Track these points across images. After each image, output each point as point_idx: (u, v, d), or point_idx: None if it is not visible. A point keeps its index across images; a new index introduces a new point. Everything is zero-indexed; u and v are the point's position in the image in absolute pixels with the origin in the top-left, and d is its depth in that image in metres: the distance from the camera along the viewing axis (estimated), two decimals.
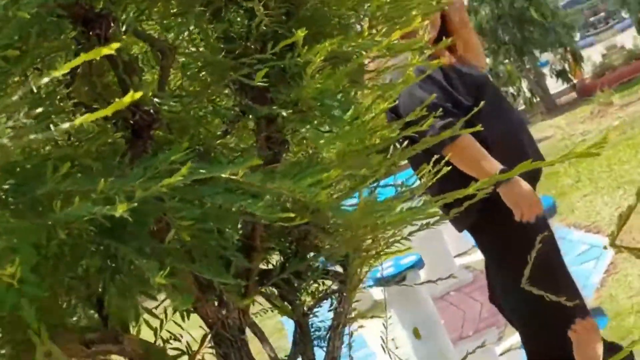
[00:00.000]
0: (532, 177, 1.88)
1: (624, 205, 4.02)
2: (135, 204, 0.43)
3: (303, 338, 1.19)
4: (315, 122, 0.68)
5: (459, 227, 2.00)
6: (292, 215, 0.53)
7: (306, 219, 0.61)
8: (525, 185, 1.75)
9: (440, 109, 1.38)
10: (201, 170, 0.55)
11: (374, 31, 1.05)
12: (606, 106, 7.41)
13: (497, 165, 1.73)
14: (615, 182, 4.56)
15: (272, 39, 0.88)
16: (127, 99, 0.38)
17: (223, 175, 0.54)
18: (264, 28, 0.83)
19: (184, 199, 0.57)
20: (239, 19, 0.90)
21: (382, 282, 3.10)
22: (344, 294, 1.19)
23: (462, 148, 1.69)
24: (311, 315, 1.24)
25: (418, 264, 3.24)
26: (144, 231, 0.59)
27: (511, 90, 9.69)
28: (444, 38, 1.89)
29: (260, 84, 0.66)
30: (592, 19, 21.86)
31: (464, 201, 1.78)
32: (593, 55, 10.22)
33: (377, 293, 3.28)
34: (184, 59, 0.72)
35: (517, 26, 9.33)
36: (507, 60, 9.61)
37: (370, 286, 1.26)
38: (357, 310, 1.30)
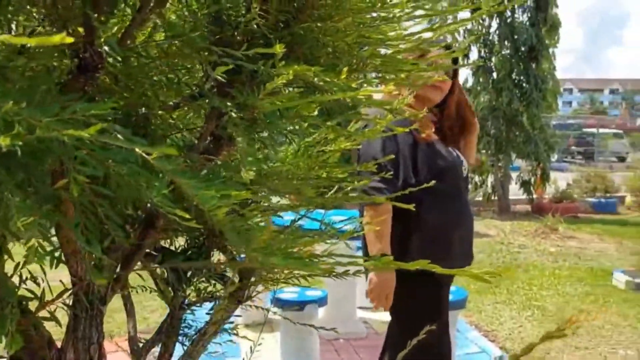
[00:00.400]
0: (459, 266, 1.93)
1: (526, 326, 4.15)
2: (20, 143, 0.41)
3: (170, 329, 1.16)
4: (258, 136, 0.67)
5: (366, 275, 2.03)
6: (188, 216, 0.51)
7: (202, 226, 0.59)
8: (390, 280, 1.80)
9: (389, 173, 1.40)
10: (119, 136, 0.53)
11: (360, 76, 1.05)
12: (551, 231, 7.69)
13: (381, 249, 1.78)
14: (529, 302, 4.71)
15: (261, 40, 0.87)
16: (56, 39, 0.36)
17: (137, 150, 0.51)
18: (255, 27, 0.82)
19: (91, 154, 0.55)
20: (238, 6, 0.89)
21: (278, 304, 3.09)
22: (228, 304, 1.17)
23: (376, 216, 1.72)
24: (188, 311, 1.21)
25: (321, 301, 3.25)
26: (38, 167, 0.56)
27: (477, 179, 9.96)
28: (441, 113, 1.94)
29: (220, 77, 0.64)
30: (573, 147, 22.87)
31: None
32: (560, 180, 10.63)
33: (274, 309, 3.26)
34: (158, 20, 0.69)
35: (506, 124, 9.64)
36: (484, 151, 9.88)
37: (257, 307, 1.23)
38: (234, 323, 1.27)
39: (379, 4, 0.84)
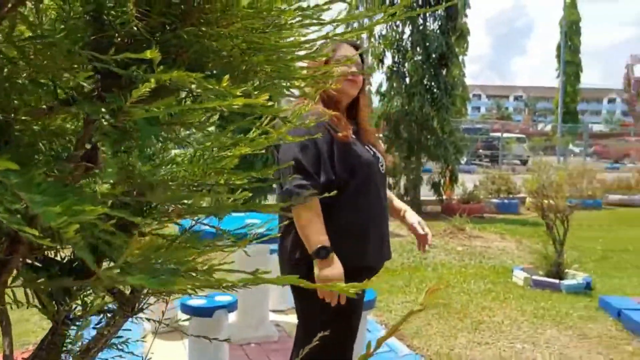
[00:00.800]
0: (375, 267, 1.96)
1: (433, 323, 4.31)
2: None
3: (50, 346, 1.08)
4: (128, 145, 0.63)
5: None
6: (37, 233, 0.47)
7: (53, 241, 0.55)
8: (338, 270, 1.78)
9: (308, 171, 1.39)
10: None
11: (256, 83, 1.04)
12: (458, 230, 8.04)
13: (320, 242, 1.77)
14: (436, 300, 4.89)
15: (144, 43, 0.83)
16: None
17: None
18: (135, 29, 0.78)
19: None
20: (123, 7, 0.84)
21: (187, 310, 3.00)
22: (116, 317, 1.11)
23: (306, 211, 1.71)
24: (72, 327, 1.14)
25: (230, 306, 3.19)
26: None
27: (390, 180, 10.25)
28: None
29: (83, 83, 0.60)
30: (481, 150, 24.13)
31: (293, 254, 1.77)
32: (468, 181, 11.15)
33: (183, 316, 3.17)
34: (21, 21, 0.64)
35: (417, 128, 9.98)
36: (397, 153, 10.19)
37: (148, 319, 1.17)
38: (124, 337, 1.21)
39: (266, 12, 0.83)
